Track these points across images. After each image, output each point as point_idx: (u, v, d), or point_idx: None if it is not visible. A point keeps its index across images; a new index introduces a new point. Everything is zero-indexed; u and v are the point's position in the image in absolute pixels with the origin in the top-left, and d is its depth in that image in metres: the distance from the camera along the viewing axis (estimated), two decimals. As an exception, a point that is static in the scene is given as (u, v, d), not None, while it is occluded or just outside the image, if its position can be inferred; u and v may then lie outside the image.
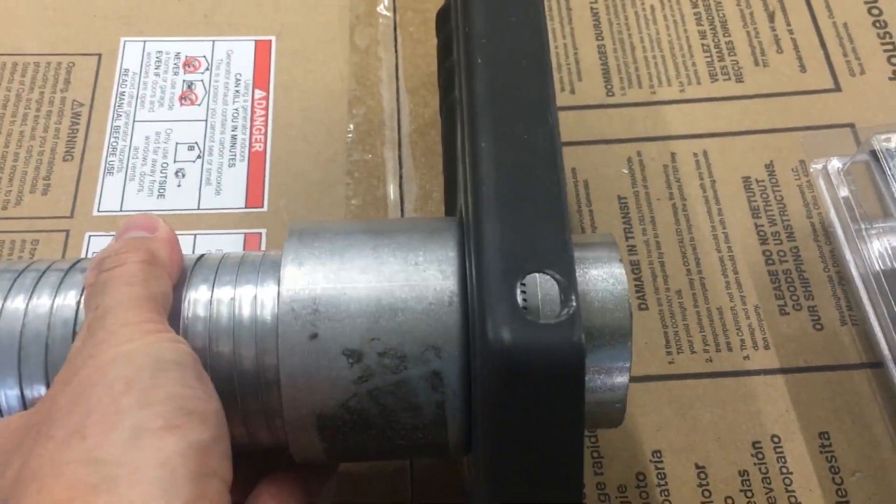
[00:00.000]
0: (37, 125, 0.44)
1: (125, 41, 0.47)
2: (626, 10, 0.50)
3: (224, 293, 0.28)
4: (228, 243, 0.41)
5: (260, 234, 0.42)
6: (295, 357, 0.27)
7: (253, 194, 0.43)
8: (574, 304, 0.21)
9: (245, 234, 0.42)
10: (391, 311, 0.27)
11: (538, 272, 0.22)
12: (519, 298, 0.21)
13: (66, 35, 0.47)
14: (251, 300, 0.28)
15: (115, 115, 0.45)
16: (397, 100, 0.47)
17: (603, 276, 0.27)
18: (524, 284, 0.22)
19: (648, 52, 0.48)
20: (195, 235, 0.42)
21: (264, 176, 0.44)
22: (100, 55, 0.47)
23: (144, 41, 0.47)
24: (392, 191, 0.44)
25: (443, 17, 0.43)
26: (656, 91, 0.47)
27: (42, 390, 0.27)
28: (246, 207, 0.43)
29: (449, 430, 0.27)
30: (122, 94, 0.46)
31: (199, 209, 0.42)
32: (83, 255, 0.41)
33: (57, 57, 0.46)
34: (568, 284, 0.21)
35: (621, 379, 0.26)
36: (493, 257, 0.22)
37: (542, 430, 0.21)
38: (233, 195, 0.43)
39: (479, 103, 0.25)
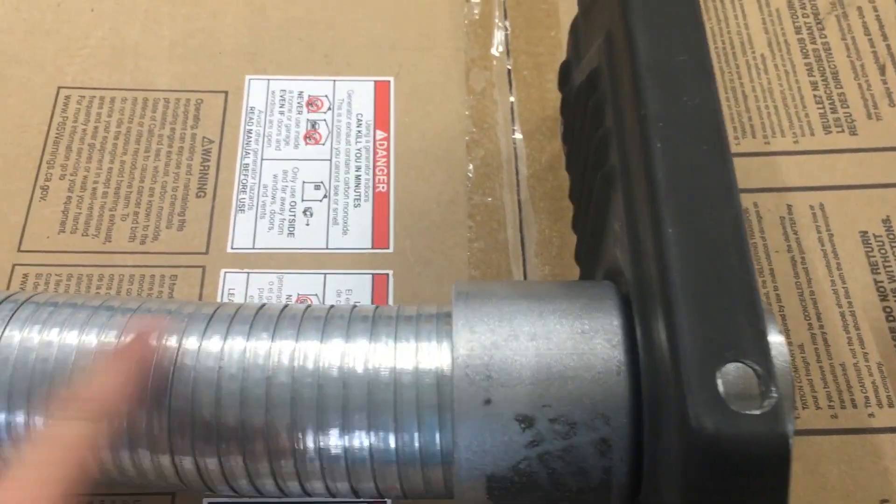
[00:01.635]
0: (169, 161, 0.46)
1: (250, 79, 0.49)
2: (738, 59, 0.50)
3: (394, 349, 0.30)
4: (357, 283, 0.43)
5: (387, 275, 0.43)
6: (470, 420, 0.28)
7: (379, 235, 0.44)
8: (775, 394, 0.22)
9: (373, 274, 0.43)
10: (562, 379, 0.28)
11: (736, 361, 0.23)
12: (719, 387, 0.22)
13: (195, 72, 0.49)
14: (425, 357, 0.29)
15: (244, 153, 0.46)
16: (514, 143, 0.48)
17: (769, 351, 0.28)
18: (722, 373, 0.23)
19: (761, 101, 0.49)
20: (325, 275, 0.43)
21: (389, 217, 0.45)
22: (226, 92, 0.48)
23: (268, 80, 0.49)
24: (511, 235, 0.45)
25: (564, 72, 0.44)
26: (770, 141, 0.47)
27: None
28: (373, 248, 0.44)
29: (612, 494, 0.28)
30: (250, 131, 0.47)
31: (327, 248, 0.44)
32: (219, 293, 0.42)
33: (186, 94, 0.48)
34: (766, 374, 0.22)
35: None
36: (690, 345, 0.23)
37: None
38: (359, 235, 0.44)
39: (660, 189, 0.26)
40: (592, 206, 0.33)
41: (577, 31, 0.41)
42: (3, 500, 0.24)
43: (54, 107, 0.47)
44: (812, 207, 0.45)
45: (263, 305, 0.32)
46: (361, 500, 0.35)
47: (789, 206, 0.45)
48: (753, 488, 0.22)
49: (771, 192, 0.46)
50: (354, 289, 0.43)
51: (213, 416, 0.29)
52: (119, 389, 0.28)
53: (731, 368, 0.22)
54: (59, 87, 0.48)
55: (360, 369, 0.29)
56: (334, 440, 0.29)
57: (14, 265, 0.42)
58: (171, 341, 0.30)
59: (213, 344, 0.30)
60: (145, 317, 0.31)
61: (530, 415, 0.28)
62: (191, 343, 0.30)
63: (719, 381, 0.22)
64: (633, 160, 0.28)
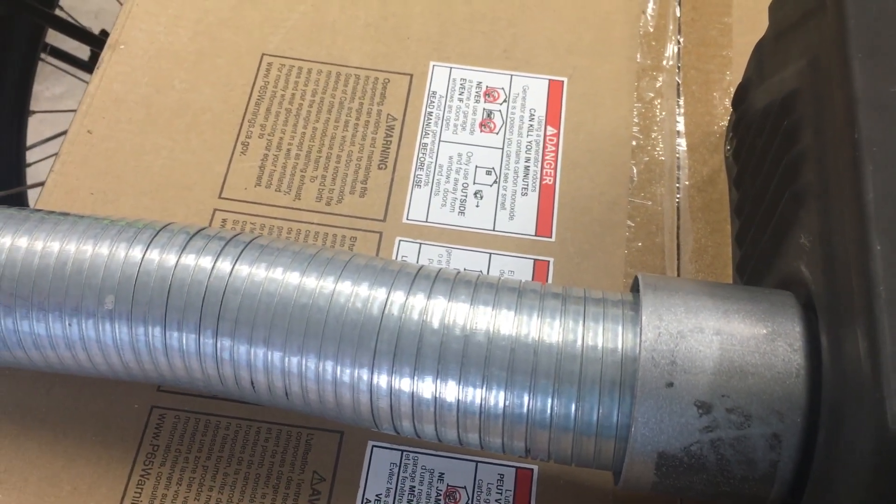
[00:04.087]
0: (356, 132, 0.50)
1: (434, 65, 0.52)
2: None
3: (583, 326, 0.32)
4: (519, 266, 0.46)
5: (548, 262, 0.46)
6: (650, 400, 0.30)
7: (542, 224, 0.47)
8: (968, 409, 0.24)
9: (535, 259, 0.46)
10: (742, 374, 0.30)
11: (933, 374, 0.24)
12: (918, 396, 0.24)
13: (385, 52, 0.52)
14: (611, 337, 0.32)
15: (424, 133, 0.50)
16: (677, 153, 0.50)
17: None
18: (919, 383, 0.24)
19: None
20: (490, 254, 0.46)
21: (553, 208, 0.48)
22: (412, 75, 0.52)
23: (451, 67, 0.52)
24: (668, 240, 0.47)
25: (742, 92, 0.46)
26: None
27: (455, 388, 0.32)
28: (536, 235, 0.47)
29: (774, 488, 0.30)
30: (430, 113, 0.51)
31: (494, 230, 0.47)
32: (394, 257, 0.46)
33: (375, 72, 0.52)
34: (961, 390, 0.24)
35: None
36: (892, 351, 0.25)
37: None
38: (524, 222, 0.47)
39: (870, 208, 0.27)
40: (776, 220, 0.35)
41: (763, 51, 0.43)
42: None
43: (258, 71, 0.51)
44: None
45: (460, 272, 0.35)
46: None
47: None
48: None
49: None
50: (517, 271, 0.46)
51: (413, 367, 0.32)
52: None
53: (929, 379, 0.24)
54: (263, 54, 0.52)
55: (550, 340, 0.32)
56: (519, 401, 0.32)
57: (215, 210, 0.46)
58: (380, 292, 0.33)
59: (418, 301, 0.33)
60: None
61: (709, 402, 0.30)
62: (398, 297, 0.33)
63: (917, 390, 0.24)
64: (836, 181, 0.30)
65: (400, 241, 0.46)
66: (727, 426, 0.30)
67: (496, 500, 0.39)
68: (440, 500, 0.39)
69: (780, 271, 0.35)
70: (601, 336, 0.32)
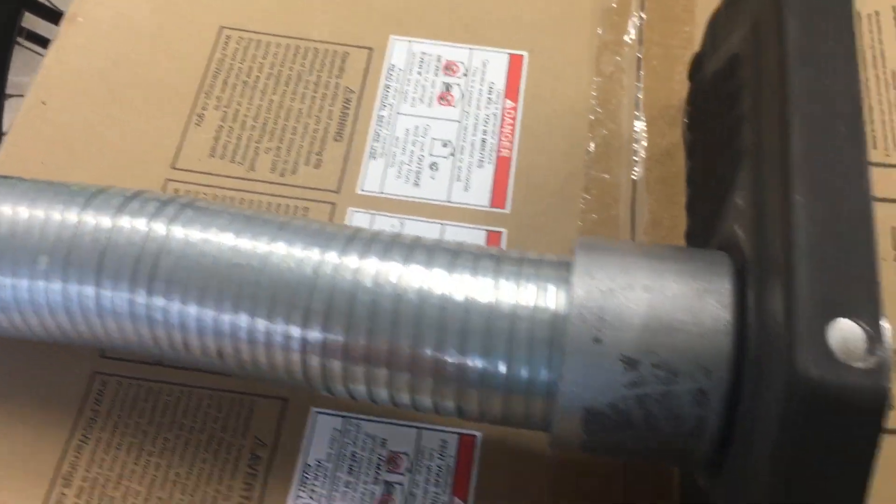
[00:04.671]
0: (313, 105, 0.49)
1: (394, 39, 0.52)
2: (867, 72, 0.51)
3: (516, 285, 0.32)
4: (472, 237, 0.45)
5: (501, 232, 0.46)
6: (578, 356, 0.30)
7: (497, 195, 0.47)
8: (879, 353, 0.24)
9: (488, 230, 0.46)
10: (669, 330, 0.30)
11: (847, 318, 0.24)
12: (827, 340, 0.24)
13: (344, 27, 0.52)
14: (543, 296, 0.32)
15: (381, 105, 0.50)
16: (635, 127, 0.50)
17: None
18: (832, 327, 0.24)
19: (886, 115, 0.49)
20: (443, 225, 0.46)
21: (508, 180, 0.47)
22: (371, 49, 0.52)
23: (410, 41, 0.52)
24: (623, 212, 0.47)
25: (698, 63, 0.45)
26: (890, 154, 0.48)
27: (386, 347, 0.32)
28: (490, 207, 0.46)
29: (702, 443, 0.30)
30: (388, 86, 0.50)
31: (448, 202, 0.47)
32: (345, 228, 0.45)
33: (333, 46, 0.52)
34: (875, 334, 0.24)
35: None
36: (806, 298, 0.24)
37: (832, 466, 0.24)
38: (479, 194, 0.47)
39: (794, 159, 0.27)
40: (716, 182, 0.35)
41: (717, 22, 0.43)
42: None
43: (216, 44, 0.51)
44: (929, 224, 0.45)
45: (397, 234, 0.35)
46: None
47: (904, 218, 0.46)
48: (846, 438, 0.23)
49: (885, 202, 0.46)
50: (469, 241, 0.45)
51: (345, 325, 0.32)
52: None
53: (842, 324, 0.24)
54: (222, 27, 0.52)
55: (482, 300, 0.32)
56: (450, 360, 0.32)
57: (167, 180, 0.46)
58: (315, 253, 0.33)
59: (352, 261, 0.33)
60: None
61: (635, 358, 0.30)
62: (331, 257, 0.33)
63: (829, 335, 0.24)
64: (768, 137, 0.30)
65: (353, 211, 0.46)
66: (654, 382, 0.30)
67: (438, 466, 0.39)
68: (381, 465, 0.39)
69: (720, 235, 0.35)
70: (534, 295, 0.32)
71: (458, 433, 0.40)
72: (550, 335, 0.31)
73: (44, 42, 0.98)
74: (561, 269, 0.32)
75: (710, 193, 0.37)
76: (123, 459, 0.38)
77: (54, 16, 0.93)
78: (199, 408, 0.40)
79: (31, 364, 0.41)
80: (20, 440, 0.39)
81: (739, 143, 0.33)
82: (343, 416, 0.40)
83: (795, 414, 0.24)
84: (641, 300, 0.30)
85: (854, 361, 0.24)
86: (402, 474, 0.38)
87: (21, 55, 0.95)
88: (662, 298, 0.30)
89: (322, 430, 0.39)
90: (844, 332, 0.24)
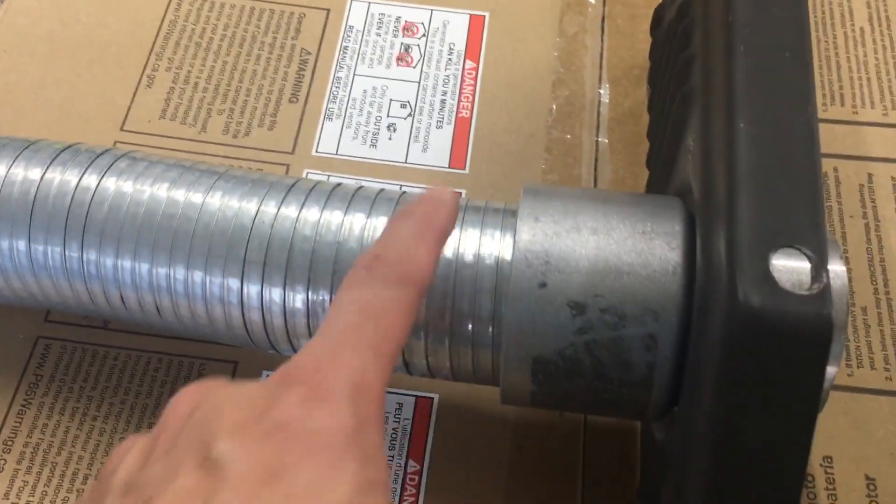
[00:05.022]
0: (268, 66, 0.48)
1: (352, 0, 0.51)
2: (836, 30, 0.50)
3: (459, 233, 0.31)
4: (430, 198, 0.44)
5: (460, 193, 0.44)
6: (523, 301, 0.29)
7: (456, 156, 0.46)
8: (824, 280, 0.23)
9: (446, 191, 0.44)
10: (616, 273, 0.29)
11: (790, 247, 0.23)
12: (770, 269, 0.23)
13: (301, -12, 0.51)
14: (488, 242, 0.30)
15: (338, 67, 0.48)
16: (599, 87, 0.49)
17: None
18: (775, 256, 0.23)
19: (854, 72, 0.48)
20: (401, 186, 0.44)
21: (468, 141, 0.46)
22: (328, 10, 0.50)
23: (369, 2, 0.51)
24: (585, 172, 0.46)
25: (658, 15, 0.44)
26: (858, 112, 0.47)
27: (326, 298, 0.30)
28: (449, 167, 0.45)
29: (653, 391, 0.29)
30: (346, 48, 0.49)
31: (406, 163, 0.45)
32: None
33: (290, 7, 0.50)
34: (819, 261, 0.23)
35: (832, 369, 0.28)
36: (747, 228, 0.23)
37: (778, 398, 0.23)
38: (438, 154, 0.46)
39: (738, 88, 0.26)
40: (669, 128, 0.34)
41: (675, -28, 0.42)
42: (326, 367, 0.21)
43: (168, 5, 0.50)
44: (894, 179, 0.44)
45: (339, 184, 0.34)
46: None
47: (870, 175, 0.45)
48: (791, 365, 0.22)
49: (853, 159, 0.45)
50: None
51: (284, 276, 0.31)
52: (427, 254, 0.25)
53: (785, 252, 0.23)
54: (175, -11, 0.50)
55: (425, 246, 0.31)
56: (393, 309, 0.30)
57: (116, 142, 0.45)
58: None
59: (291, 211, 0.32)
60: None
61: (582, 302, 0.29)
62: (269, 207, 0.32)
63: (772, 263, 0.23)
64: (715, 72, 0.29)
65: (308, 173, 0.45)
66: (601, 327, 0.29)
67: (393, 429, 0.38)
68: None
69: (673, 182, 0.34)
70: (477, 241, 0.31)
71: (415, 396, 0.39)
72: (496, 282, 0.30)
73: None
74: (507, 217, 0.31)
75: (663, 142, 0.36)
76: (67, 425, 0.37)
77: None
78: (146, 372, 0.39)
79: (-30, 328, 0.39)
80: (-42, 405, 0.37)
81: (689, 84, 0.32)
82: (293, 378, 0.39)
83: (738, 344, 0.23)
84: (588, 243, 0.29)
85: (798, 290, 0.22)
86: (354, 437, 0.37)
87: None
88: (609, 241, 0.29)
89: (271, 392, 0.38)
90: (788, 260, 0.23)
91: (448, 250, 0.30)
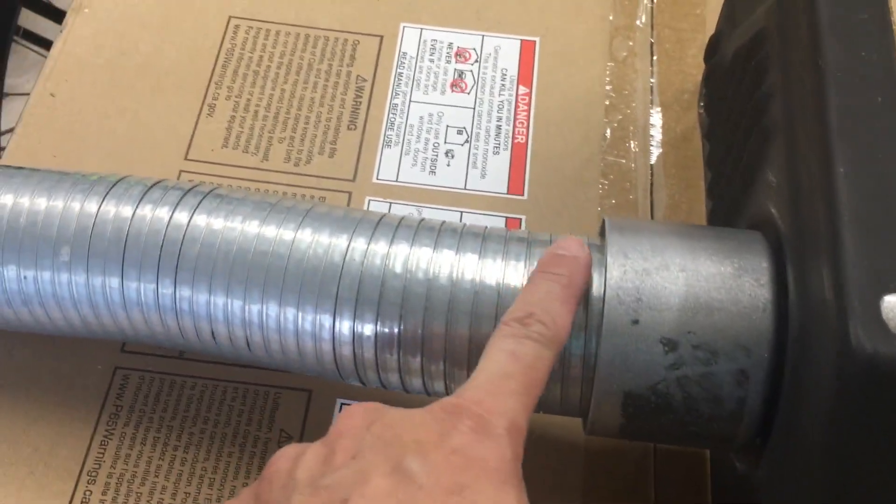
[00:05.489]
0: (325, 94, 0.49)
1: (404, 26, 0.52)
2: None
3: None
4: (491, 224, 0.45)
5: (520, 219, 0.45)
6: (616, 338, 0.30)
7: (514, 182, 0.46)
8: (934, 327, 0.23)
9: (506, 217, 0.45)
10: (708, 309, 0.30)
11: (898, 293, 0.24)
12: (882, 312, 0.24)
13: (354, 15, 0.52)
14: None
15: (394, 94, 0.49)
16: (650, 112, 0.49)
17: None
18: (886, 299, 0.24)
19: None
20: (461, 213, 0.45)
21: (525, 166, 0.47)
22: (382, 37, 0.51)
23: (421, 28, 0.52)
24: (641, 196, 0.46)
25: (714, 44, 0.45)
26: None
27: (418, 333, 0.32)
28: (507, 193, 0.46)
29: (742, 425, 0.30)
30: (401, 74, 0.50)
31: (465, 189, 0.46)
32: (363, 217, 0.45)
33: (344, 34, 0.51)
34: (928, 308, 0.24)
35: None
36: (855, 269, 0.24)
37: (889, 444, 0.23)
38: (496, 180, 0.46)
39: (833, 132, 0.27)
40: (744, 162, 0.35)
41: (734, 1, 0.43)
42: (489, 405, 0.25)
43: (224, 34, 0.50)
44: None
45: (424, 219, 0.34)
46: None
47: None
48: (903, 410, 0.23)
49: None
50: (489, 229, 0.45)
51: (376, 313, 0.32)
52: (569, 318, 0.29)
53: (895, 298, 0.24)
54: (230, 17, 0.51)
55: (515, 283, 0.31)
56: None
57: (181, 171, 0.46)
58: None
59: (381, 247, 0.33)
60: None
61: (675, 339, 0.29)
62: (359, 244, 0.33)
63: (883, 308, 0.24)
64: (801, 110, 0.30)
65: (370, 200, 0.46)
66: (693, 363, 0.29)
67: (467, 455, 0.38)
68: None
69: (749, 214, 0.35)
70: (565, 277, 0.31)
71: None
72: (587, 318, 0.31)
73: (38, 40, 0.97)
74: (593, 251, 0.32)
75: (735, 174, 0.37)
76: (149, 455, 0.38)
77: (52, 12, 0.92)
78: (223, 401, 0.39)
79: (51, 360, 0.40)
80: (43, 438, 0.38)
81: (768, 119, 0.33)
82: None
83: (850, 390, 0.23)
84: (678, 280, 0.30)
85: (909, 335, 0.23)
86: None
87: (13, 55, 0.94)
88: (699, 278, 0.30)
89: (348, 420, 0.39)
90: (897, 305, 0.24)
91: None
